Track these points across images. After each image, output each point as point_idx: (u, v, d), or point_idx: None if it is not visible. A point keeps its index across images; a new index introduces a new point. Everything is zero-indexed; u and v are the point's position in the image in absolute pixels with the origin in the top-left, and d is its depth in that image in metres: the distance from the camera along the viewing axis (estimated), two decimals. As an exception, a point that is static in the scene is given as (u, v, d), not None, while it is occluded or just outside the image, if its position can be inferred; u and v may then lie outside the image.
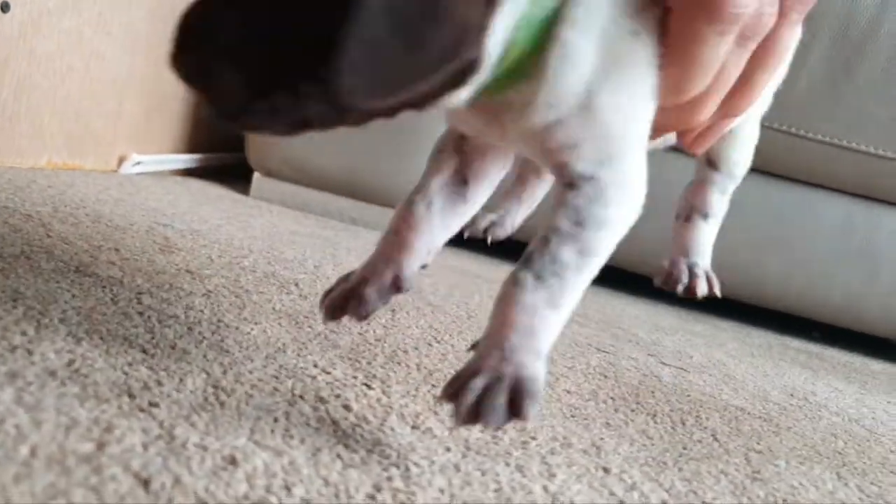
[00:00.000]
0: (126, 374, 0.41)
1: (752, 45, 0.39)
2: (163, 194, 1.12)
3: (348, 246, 1.09)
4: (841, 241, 1.30)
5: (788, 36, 0.40)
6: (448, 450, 0.42)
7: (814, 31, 1.19)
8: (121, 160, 1.22)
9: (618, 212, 0.37)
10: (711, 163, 0.68)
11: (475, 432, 0.45)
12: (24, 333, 0.43)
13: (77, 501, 0.29)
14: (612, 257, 0.39)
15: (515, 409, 0.35)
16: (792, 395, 0.83)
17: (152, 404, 0.38)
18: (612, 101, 0.35)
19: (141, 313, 0.53)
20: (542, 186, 0.75)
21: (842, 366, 1.17)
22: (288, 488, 0.34)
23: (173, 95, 1.35)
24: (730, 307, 1.41)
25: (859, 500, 0.53)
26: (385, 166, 1.32)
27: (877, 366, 1.26)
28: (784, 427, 0.67)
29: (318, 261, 0.89)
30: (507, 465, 0.42)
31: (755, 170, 1.28)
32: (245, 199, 1.34)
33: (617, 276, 1.40)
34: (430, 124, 1.27)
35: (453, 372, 0.39)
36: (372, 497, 0.35)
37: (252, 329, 0.56)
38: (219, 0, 0.28)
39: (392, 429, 0.43)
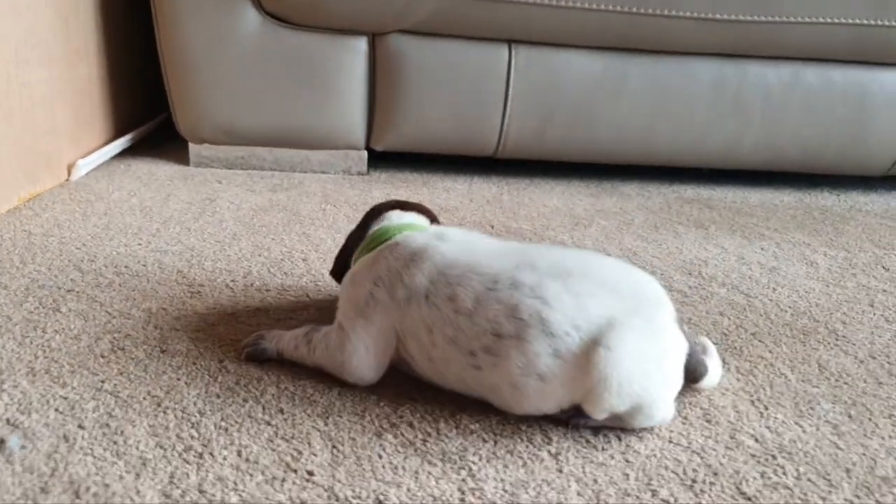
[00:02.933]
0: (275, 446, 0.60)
1: None
2: (124, 197, 1.22)
3: (310, 216, 1.23)
4: (716, 96, 1.51)
5: None
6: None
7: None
8: (70, 168, 1.28)
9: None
10: None
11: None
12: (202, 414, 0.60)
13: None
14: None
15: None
16: (689, 273, 1.07)
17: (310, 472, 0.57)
18: None
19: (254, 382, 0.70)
20: None
21: (727, 210, 1.43)
22: (414, 511, 0.54)
23: (94, 87, 1.38)
24: (632, 171, 1.65)
25: (737, 380, 0.78)
26: (302, 115, 1.42)
27: (754, 198, 1.54)
28: (683, 314, 0.92)
29: (303, 251, 1.05)
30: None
31: (635, 49, 1.46)
32: (188, 169, 1.43)
33: (534, 165, 1.60)
34: (334, 76, 1.37)
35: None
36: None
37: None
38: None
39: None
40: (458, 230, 0.74)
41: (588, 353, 0.60)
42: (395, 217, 0.78)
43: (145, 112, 1.65)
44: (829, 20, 1.41)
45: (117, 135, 1.48)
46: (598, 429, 0.65)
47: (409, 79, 1.40)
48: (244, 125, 1.42)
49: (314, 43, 1.38)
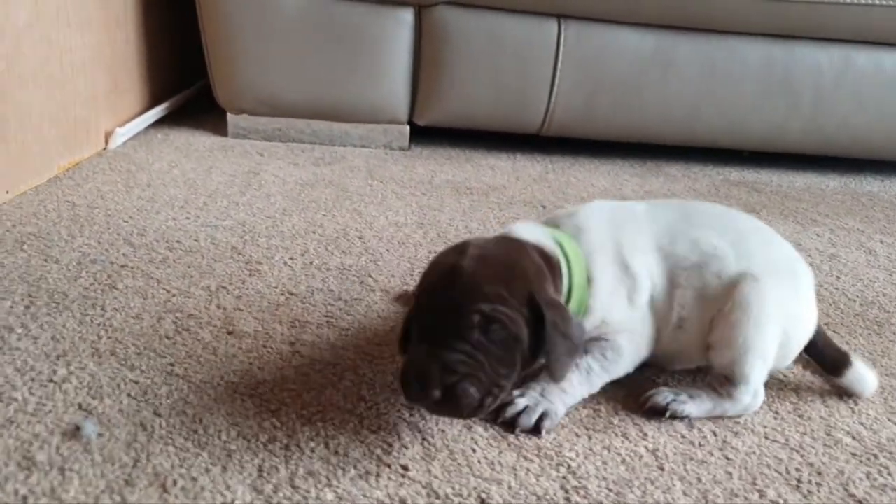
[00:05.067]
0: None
1: None
2: (165, 168, 1.18)
3: (357, 192, 1.20)
4: (765, 77, 1.46)
5: None
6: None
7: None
8: (107, 137, 1.25)
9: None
10: None
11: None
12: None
13: None
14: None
15: (537, 426, 0.58)
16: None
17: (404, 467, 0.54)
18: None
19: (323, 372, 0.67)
20: None
21: (775, 194, 1.39)
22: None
23: (131, 54, 1.34)
24: (677, 152, 1.60)
25: (819, 372, 0.75)
26: (344, 87, 1.38)
27: (800, 182, 1.50)
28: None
29: (358, 229, 1.01)
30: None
31: (685, 28, 1.41)
32: (226, 140, 1.39)
33: (577, 144, 1.56)
34: (378, 48, 1.33)
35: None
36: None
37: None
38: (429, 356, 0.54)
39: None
40: (584, 213, 0.69)
41: (738, 279, 0.65)
42: (541, 233, 0.66)
43: (181, 79, 1.60)
44: (881, 2, 1.36)
45: (154, 103, 1.44)
46: (691, 423, 0.62)
47: (455, 52, 1.36)
48: (285, 96, 1.38)
49: (359, 13, 1.33)
